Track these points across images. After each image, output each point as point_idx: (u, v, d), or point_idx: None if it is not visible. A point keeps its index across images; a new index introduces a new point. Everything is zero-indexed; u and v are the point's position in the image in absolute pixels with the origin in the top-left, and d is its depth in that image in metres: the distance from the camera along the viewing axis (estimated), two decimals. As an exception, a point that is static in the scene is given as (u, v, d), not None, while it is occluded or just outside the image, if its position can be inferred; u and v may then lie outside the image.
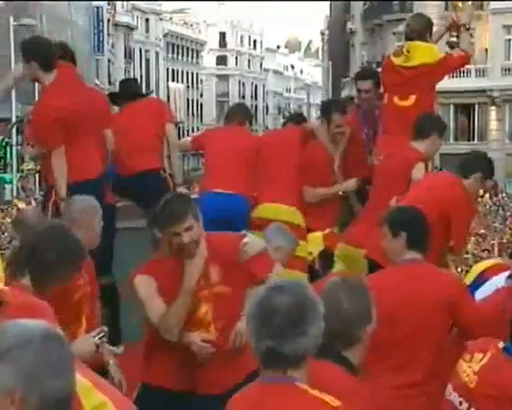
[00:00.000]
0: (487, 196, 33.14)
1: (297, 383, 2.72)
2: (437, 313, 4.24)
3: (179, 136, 6.86)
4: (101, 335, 3.83)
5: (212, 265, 4.50)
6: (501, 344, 3.40)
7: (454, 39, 7.00)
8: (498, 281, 4.67)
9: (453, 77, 42.71)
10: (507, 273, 4.60)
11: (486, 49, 43.53)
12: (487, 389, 3.33)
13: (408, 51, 6.71)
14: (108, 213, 5.53)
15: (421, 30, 6.80)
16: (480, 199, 32.50)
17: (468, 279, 5.09)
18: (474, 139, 43.73)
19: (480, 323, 4.21)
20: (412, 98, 6.57)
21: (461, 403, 3.41)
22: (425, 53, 6.66)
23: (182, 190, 6.70)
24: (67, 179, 5.84)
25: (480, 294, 4.69)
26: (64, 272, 3.69)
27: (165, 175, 6.70)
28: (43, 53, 5.89)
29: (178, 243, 4.40)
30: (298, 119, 7.51)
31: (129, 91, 7.01)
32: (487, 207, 28.92)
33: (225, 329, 4.51)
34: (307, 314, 2.72)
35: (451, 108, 42.81)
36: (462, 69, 41.98)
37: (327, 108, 6.99)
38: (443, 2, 39.05)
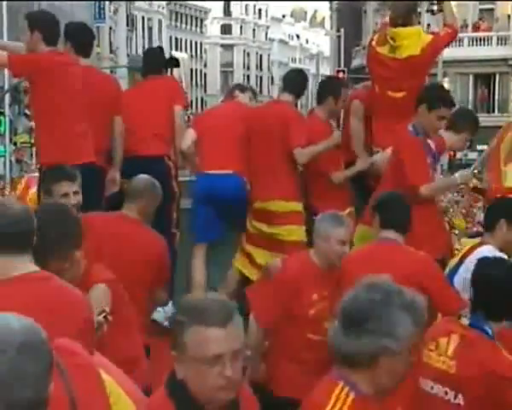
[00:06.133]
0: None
1: None
2: None
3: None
4: (103, 315, 3.91)
5: None
6: (465, 321, 3.59)
7: (435, 7, 6.18)
8: (469, 262, 4.65)
9: (473, 45, 41.87)
10: (480, 250, 4.76)
11: (509, 16, 42.59)
12: (469, 369, 3.45)
13: (393, 39, 6.44)
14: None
15: (405, 15, 6.53)
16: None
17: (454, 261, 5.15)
18: (494, 111, 42.60)
19: (445, 300, 4.50)
20: (404, 91, 6.43)
21: (446, 393, 3.52)
22: (411, 42, 6.41)
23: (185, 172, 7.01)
24: (45, 158, 5.87)
25: (457, 277, 4.88)
26: (65, 251, 3.77)
27: (169, 162, 6.69)
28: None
29: None
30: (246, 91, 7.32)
31: (152, 65, 7.01)
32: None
33: None
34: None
35: (471, 77, 41.50)
36: (482, 36, 41.05)
37: (332, 85, 6.92)
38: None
